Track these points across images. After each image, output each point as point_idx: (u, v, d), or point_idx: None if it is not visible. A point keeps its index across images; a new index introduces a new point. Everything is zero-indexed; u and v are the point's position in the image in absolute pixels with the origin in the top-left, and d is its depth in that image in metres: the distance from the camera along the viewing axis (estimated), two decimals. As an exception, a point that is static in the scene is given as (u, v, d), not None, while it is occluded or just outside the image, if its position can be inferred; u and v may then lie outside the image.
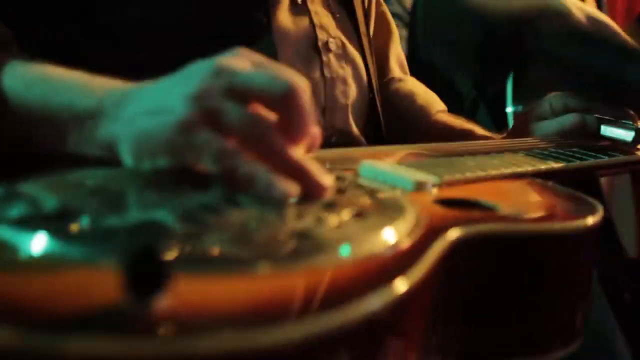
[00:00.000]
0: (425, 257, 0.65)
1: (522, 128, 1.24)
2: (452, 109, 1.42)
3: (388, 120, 1.31)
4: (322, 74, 1.15)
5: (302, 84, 0.73)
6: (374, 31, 1.35)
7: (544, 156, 1.06)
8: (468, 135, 1.30)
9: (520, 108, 1.64)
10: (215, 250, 0.59)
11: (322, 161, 0.94)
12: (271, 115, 0.74)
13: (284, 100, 0.72)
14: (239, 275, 0.57)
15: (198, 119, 0.71)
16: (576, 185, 1.30)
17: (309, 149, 0.80)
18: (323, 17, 1.18)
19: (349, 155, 1.00)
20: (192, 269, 0.56)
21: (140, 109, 0.74)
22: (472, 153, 1.05)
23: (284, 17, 1.11)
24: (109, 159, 0.77)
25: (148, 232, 0.61)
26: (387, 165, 0.91)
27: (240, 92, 0.73)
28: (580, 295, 0.83)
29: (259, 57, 0.77)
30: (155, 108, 0.73)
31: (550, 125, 1.19)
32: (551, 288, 0.80)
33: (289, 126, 0.74)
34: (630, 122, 1.13)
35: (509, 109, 1.70)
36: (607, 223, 1.78)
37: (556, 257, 0.79)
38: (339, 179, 0.85)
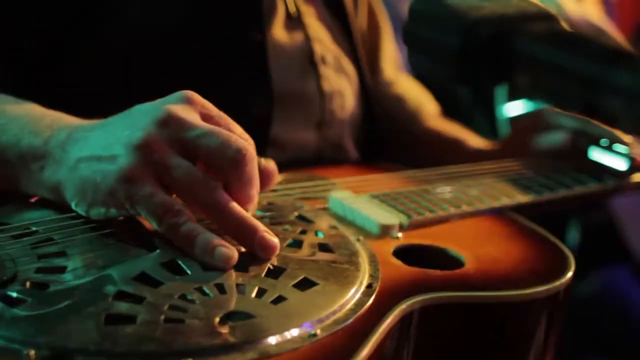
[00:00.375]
0: (374, 336, 0.63)
1: (519, 137, 1.18)
2: (450, 111, 1.37)
3: (380, 123, 1.27)
4: (319, 87, 1.10)
5: (251, 150, 0.70)
6: (368, 29, 1.29)
7: (527, 183, 1.01)
8: (459, 144, 1.25)
9: (514, 113, 1.58)
10: (140, 343, 0.56)
11: (295, 191, 0.91)
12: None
13: (232, 165, 0.69)
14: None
15: (141, 171, 0.68)
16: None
17: (265, 186, 0.78)
18: (319, 31, 1.13)
19: (326, 182, 0.97)
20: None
21: (84, 154, 0.71)
22: (454, 179, 1.01)
23: (278, 32, 1.06)
24: (60, 202, 0.75)
25: (77, 318, 0.59)
26: (355, 202, 0.88)
27: (188, 149, 0.70)
28: (545, 355, 0.80)
29: (208, 106, 0.73)
30: (99, 155, 0.70)
31: (544, 141, 1.14)
32: (514, 351, 0.77)
33: (236, 190, 0.71)
34: (626, 149, 1.07)
35: (504, 116, 1.65)
36: (609, 226, 1.74)
37: (520, 322, 0.76)
38: (301, 219, 0.83)
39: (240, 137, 0.72)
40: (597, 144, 1.10)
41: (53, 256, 0.68)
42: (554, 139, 1.13)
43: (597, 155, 1.10)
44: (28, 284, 0.63)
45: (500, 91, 1.63)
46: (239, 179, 0.70)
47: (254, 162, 0.71)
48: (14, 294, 0.61)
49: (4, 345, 0.56)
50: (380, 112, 1.23)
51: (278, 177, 0.81)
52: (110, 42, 0.95)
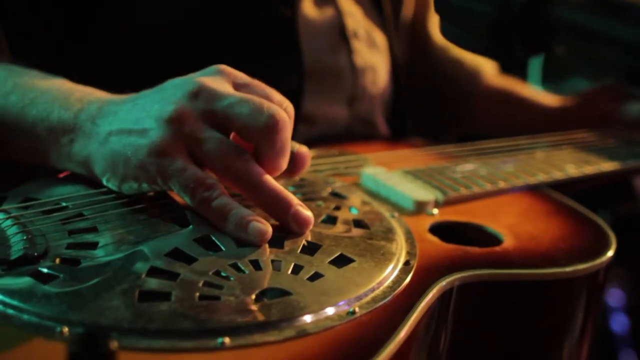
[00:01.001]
0: (412, 313, 0.61)
1: (595, 104, 1.17)
2: None
3: (438, 89, 1.27)
4: (351, 62, 1.08)
5: (285, 116, 0.68)
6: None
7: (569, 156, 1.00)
8: (532, 102, 1.24)
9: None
10: (176, 320, 0.55)
11: (328, 166, 0.89)
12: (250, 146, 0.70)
13: (265, 132, 0.67)
14: (199, 351, 0.54)
15: (173, 145, 0.67)
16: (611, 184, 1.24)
17: (298, 170, 0.76)
18: (350, 5, 1.10)
19: (357, 157, 0.95)
20: (146, 344, 0.53)
21: (115, 127, 0.70)
22: (487, 154, 0.99)
23: (308, 7, 1.04)
24: (89, 176, 0.74)
25: (111, 295, 0.57)
26: (389, 177, 0.86)
27: (220, 119, 0.68)
28: (587, 333, 0.78)
29: (241, 76, 0.72)
30: (130, 128, 0.69)
31: (624, 111, 1.13)
32: (553, 330, 0.75)
33: (267, 158, 0.69)
34: None
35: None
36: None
37: (559, 300, 0.74)
38: (335, 196, 0.81)
39: (279, 103, 0.70)
40: None
41: (84, 232, 0.67)
42: (633, 109, 1.11)
43: None
44: (58, 260, 0.62)
45: (534, 65, 1.60)
46: (272, 147, 0.68)
47: (287, 129, 0.69)
48: (45, 270, 0.60)
49: (36, 322, 0.55)
50: (438, 76, 1.21)
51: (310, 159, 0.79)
52: (139, 16, 0.94)
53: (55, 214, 0.69)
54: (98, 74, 0.82)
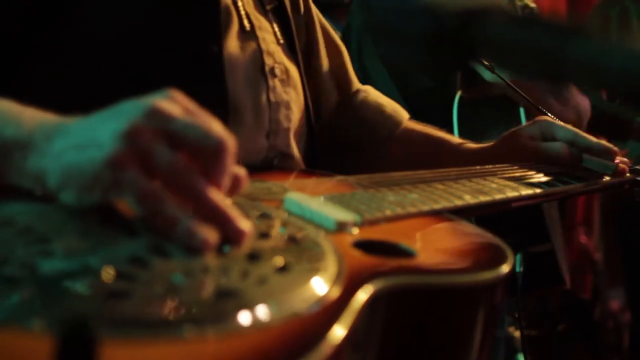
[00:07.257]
0: (347, 313, 0.68)
1: (515, 143, 1.32)
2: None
3: (358, 131, 1.37)
4: (268, 98, 1.16)
5: (232, 141, 0.75)
6: (327, 50, 1.39)
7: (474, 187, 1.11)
8: (442, 144, 1.36)
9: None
10: (143, 312, 0.60)
11: (250, 192, 0.96)
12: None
13: (214, 155, 0.74)
14: (165, 340, 0.59)
15: (127, 157, 0.72)
16: (521, 215, 1.41)
17: (235, 190, 0.83)
18: (270, 44, 1.19)
19: (277, 185, 1.02)
20: (121, 334, 0.58)
21: (70, 143, 0.75)
22: (394, 185, 1.08)
23: (232, 43, 1.12)
24: (41, 191, 0.77)
25: (76, 292, 0.62)
26: (310, 201, 0.94)
27: (172, 139, 0.74)
28: (489, 340, 0.87)
29: (190, 104, 0.78)
30: (85, 143, 0.74)
31: (544, 148, 1.29)
32: (464, 335, 0.84)
33: (213, 179, 0.75)
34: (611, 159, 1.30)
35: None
36: (549, 254, 1.87)
37: (470, 306, 0.83)
38: (263, 216, 0.87)
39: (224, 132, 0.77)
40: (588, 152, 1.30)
41: (38, 242, 0.70)
42: (554, 147, 1.29)
43: (588, 162, 1.31)
44: (18, 265, 0.66)
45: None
46: (219, 169, 0.75)
47: (233, 154, 0.76)
48: (8, 273, 0.64)
49: (3, 319, 0.58)
50: (359, 118, 1.31)
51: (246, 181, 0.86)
52: (70, 48, 0.98)
53: (4, 229, 0.73)
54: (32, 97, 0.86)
